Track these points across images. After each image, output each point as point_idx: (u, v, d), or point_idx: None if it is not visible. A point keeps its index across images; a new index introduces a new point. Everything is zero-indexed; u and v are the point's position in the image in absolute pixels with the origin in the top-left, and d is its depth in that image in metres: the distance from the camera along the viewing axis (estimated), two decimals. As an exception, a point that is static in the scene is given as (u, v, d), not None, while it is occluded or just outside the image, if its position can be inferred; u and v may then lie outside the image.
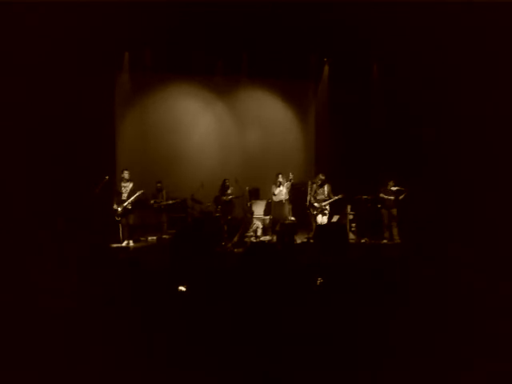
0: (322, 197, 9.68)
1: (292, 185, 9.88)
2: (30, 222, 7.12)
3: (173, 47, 10.41)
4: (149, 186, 9.88)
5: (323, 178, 9.72)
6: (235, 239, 9.18)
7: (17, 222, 6.96)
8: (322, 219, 9.65)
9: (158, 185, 9.96)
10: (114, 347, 3.38)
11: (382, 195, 9.63)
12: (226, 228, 9.46)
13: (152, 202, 9.80)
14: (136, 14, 8.59)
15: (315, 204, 9.64)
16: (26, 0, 7.37)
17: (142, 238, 9.78)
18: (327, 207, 9.68)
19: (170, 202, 9.87)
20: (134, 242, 9.32)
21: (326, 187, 9.68)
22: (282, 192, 9.91)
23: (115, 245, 8.92)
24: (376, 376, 3.17)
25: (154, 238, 9.77)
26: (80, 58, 8.91)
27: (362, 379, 3.18)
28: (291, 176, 9.86)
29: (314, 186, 9.73)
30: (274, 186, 9.99)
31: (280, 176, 9.88)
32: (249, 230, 9.61)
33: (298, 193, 10.32)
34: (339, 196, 9.54)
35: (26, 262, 5.04)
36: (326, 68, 11.84)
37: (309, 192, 9.77)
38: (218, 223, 9.34)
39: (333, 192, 9.68)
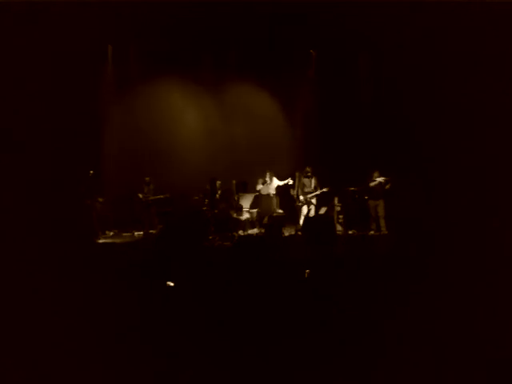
0: (309, 189, 9.72)
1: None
2: (13, 220, 6.99)
3: (159, 41, 10.27)
4: (135, 180, 9.83)
5: (309, 170, 9.76)
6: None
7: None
8: (307, 211, 9.69)
9: (146, 179, 9.90)
10: (102, 342, 3.35)
11: (370, 184, 9.65)
12: (213, 222, 9.41)
13: (140, 196, 9.75)
14: (122, 7, 8.45)
15: (300, 197, 9.71)
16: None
17: (128, 233, 9.72)
18: (313, 200, 9.73)
19: (159, 196, 9.81)
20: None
21: (312, 180, 9.74)
22: (268, 187, 9.92)
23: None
24: (366, 369, 3.18)
25: (141, 233, 9.70)
26: (63, 52, 8.72)
27: (352, 371, 3.19)
28: (291, 182, 9.83)
29: (302, 178, 9.78)
30: (260, 180, 9.97)
31: (268, 174, 9.88)
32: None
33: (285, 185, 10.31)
34: (324, 189, 9.60)
35: (11, 262, 4.96)
36: (313, 61, 11.82)
37: (296, 184, 9.79)
38: (204, 217, 9.29)
39: (319, 185, 9.72)
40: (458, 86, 8.34)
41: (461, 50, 8.08)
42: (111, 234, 9.71)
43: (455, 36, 8.12)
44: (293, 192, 9.89)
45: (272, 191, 9.97)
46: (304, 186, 9.75)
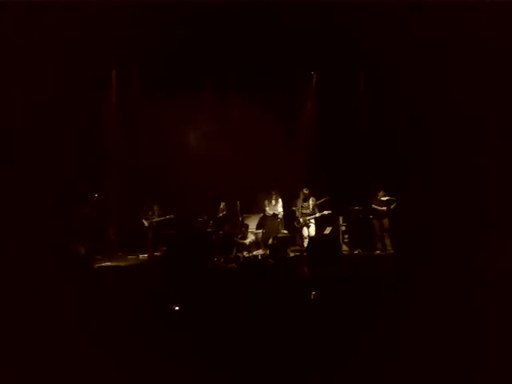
0: (307, 211, 9.66)
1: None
2: (16, 244, 6.99)
3: (160, 64, 10.41)
4: (138, 201, 9.86)
5: (307, 192, 9.70)
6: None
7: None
8: (307, 232, 9.64)
9: (149, 201, 9.94)
10: (108, 365, 3.32)
11: (373, 206, 9.65)
12: (217, 243, 9.37)
13: (144, 221, 9.78)
14: (123, 30, 8.59)
15: (300, 219, 9.65)
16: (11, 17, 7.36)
17: (133, 256, 9.69)
18: (312, 221, 9.67)
19: (162, 218, 9.83)
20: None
21: (310, 201, 9.67)
22: (275, 207, 9.91)
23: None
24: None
25: (146, 255, 9.67)
26: (67, 75, 8.85)
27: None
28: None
29: (300, 199, 9.73)
30: (266, 202, 9.98)
31: (274, 195, 9.89)
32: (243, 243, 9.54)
33: (289, 206, 10.28)
34: (324, 212, 9.50)
35: (8, 288, 4.93)
36: (314, 81, 11.93)
37: (296, 205, 9.77)
38: (209, 239, 9.25)
39: (319, 205, 9.66)
40: (462, 104, 8.33)
41: (466, 61, 8.04)
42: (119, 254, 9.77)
43: (459, 46, 8.10)
44: (297, 213, 9.81)
45: (277, 212, 9.94)
46: (302, 207, 9.70)
